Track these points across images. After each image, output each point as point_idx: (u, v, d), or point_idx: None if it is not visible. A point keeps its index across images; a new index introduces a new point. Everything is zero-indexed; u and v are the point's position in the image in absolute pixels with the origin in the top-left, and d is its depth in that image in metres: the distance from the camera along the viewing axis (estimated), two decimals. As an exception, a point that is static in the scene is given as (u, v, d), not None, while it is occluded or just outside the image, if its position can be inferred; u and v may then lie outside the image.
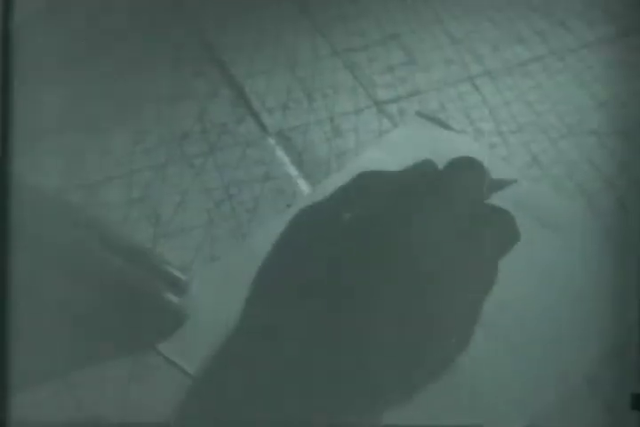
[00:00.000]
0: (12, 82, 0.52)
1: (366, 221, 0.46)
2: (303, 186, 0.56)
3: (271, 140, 0.58)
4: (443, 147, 0.57)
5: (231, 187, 0.56)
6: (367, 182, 0.48)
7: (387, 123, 0.59)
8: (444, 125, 0.58)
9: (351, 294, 0.44)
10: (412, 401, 0.45)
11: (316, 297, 0.44)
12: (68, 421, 0.48)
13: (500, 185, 0.52)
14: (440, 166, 0.50)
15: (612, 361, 0.48)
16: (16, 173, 0.50)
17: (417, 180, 0.48)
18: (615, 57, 0.61)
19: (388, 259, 0.44)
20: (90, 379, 0.48)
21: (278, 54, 0.62)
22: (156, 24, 0.63)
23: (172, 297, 0.50)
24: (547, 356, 0.48)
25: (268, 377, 0.44)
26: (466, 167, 0.49)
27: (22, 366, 0.47)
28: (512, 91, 0.60)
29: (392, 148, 0.57)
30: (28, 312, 0.48)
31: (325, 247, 0.45)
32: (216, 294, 0.51)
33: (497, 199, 0.54)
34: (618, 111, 0.59)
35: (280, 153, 0.58)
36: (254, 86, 0.61)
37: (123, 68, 0.61)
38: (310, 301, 0.45)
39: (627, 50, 0.61)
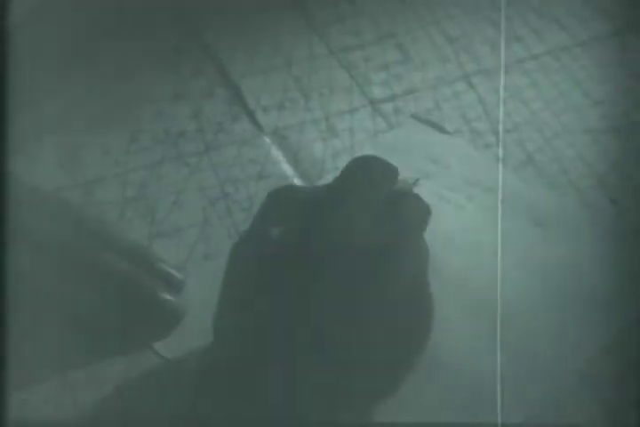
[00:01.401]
0: (9, 81, 0.52)
1: (293, 233, 0.46)
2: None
3: (267, 140, 0.58)
4: (437, 149, 0.57)
5: (226, 186, 0.56)
6: (282, 197, 0.49)
7: (381, 122, 0.59)
8: (439, 128, 0.59)
9: (300, 300, 0.45)
10: (395, 395, 0.46)
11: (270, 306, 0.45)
12: (67, 420, 0.48)
13: (407, 186, 0.52)
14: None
15: (610, 358, 0.48)
16: (13, 171, 0.50)
17: (325, 188, 0.49)
18: (609, 56, 0.61)
19: (325, 265, 0.45)
20: (87, 378, 0.48)
21: (274, 54, 0.62)
22: (153, 24, 0.63)
23: (167, 296, 0.50)
24: (543, 353, 0.48)
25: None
26: (364, 164, 0.49)
27: (20, 366, 0.47)
28: (507, 89, 0.60)
29: (387, 149, 0.57)
30: (26, 312, 0.48)
31: (266, 269, 0.46)
32: (211, 293, 0.51)
33: (492, 198, 0.54)
34: (612, 110, 0.59)
35: (275, 152, 0.58)
36: (250, 85, 0.61)
37: (119, 67, 0.61)
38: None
39: (621, 49, 0.61)
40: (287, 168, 0.57)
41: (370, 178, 0.48)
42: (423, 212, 0.49)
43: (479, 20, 0.64)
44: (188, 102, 0.60)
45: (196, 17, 0.64)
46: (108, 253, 0.50)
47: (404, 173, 0.56)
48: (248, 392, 0.44)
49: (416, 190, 0.50)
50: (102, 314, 0.49)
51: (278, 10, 0.64)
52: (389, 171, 0.50)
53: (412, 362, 0.46)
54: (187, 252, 0.53)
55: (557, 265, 0.52)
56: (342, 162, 0.57)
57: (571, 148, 0.57)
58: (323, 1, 0.64)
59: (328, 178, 0.55)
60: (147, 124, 0.59)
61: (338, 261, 0.45)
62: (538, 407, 0.47)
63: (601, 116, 0.58)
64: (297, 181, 0.56)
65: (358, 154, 0.57)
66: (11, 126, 0.51)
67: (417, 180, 0.52)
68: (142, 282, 0.50)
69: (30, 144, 0.57)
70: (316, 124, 0.59)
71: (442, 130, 0.58)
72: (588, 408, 0.47)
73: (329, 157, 0.57)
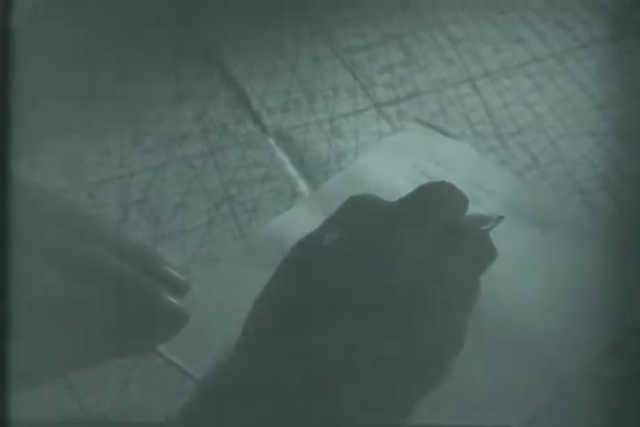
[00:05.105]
0: (13, 83, 0.52)
1: (347, 243, 0.46)
2: (303, 187, 0.56)
3: (271, 141, 0.58)
4: (440, 152, 0.57)
5: (231, 187, 0.56)
6: (359, 208, 0.48)
7: (385, 125, 0.59)
8: (444, 132, 0.59)
9: (347, 311, 0.45)
10: (416, 407, 0.46)
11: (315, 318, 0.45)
12: (69, 421, 0.48)
13: (484, 221, 0.51)
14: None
15: (612, 361, 0.48)
16: (16, 173, 0.50)
17: (399, 205, 0.49)
18: (613, 58, 0.61)
19: (377, 280, 0.45)
20: (90, 380, 0.48)
21: (278, 55, 0.62)
22: (155, 25, 0.63)
23: (172, 298, 0.50)
24: (545, 355, 0.48)
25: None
26: (441, 191, 0.49)
27: (22, 367, 0.47)
28: (511, 92, 0.60)
29: (392, 152, 0.57)
30: (28, 312, 0.48)
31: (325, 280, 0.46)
32: (215, 296, 0.51)
33: (495, 201, 0.54)
34: (615, 112, 0.59)
35: (280, 154, 0.58)
36: (254, 87, 0.61)
37: (122, 69, 0.61)
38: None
39: (625, 51, 0.61)
40: (292, 170, 0.57)
41: (438, 206, 0.48)
42: (488, 254, 0.48)
43: (482, 22, 0.64)
44: (192, 104, 0.60)
45: (199, 18, 0.64)
46: (111, 256, 0.50)
47: (409, 174, 0.56)
48: (284, 394, 0.44)
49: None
50: (105, 316, 0.49)
51: (282, 11, 0.64)
52: (460, 201, 0.49)
53: (419, 395, 0.46)
54: (191, 254, 0.53)
55: (561, 267, 0.52)
56: (347, 163, 0.57)
57: (575, 150, 0.57)
58: (327, 2, 0.64)
59: (333, 179, 0.56)
60: (150, 126, 0.59)
61: (382, 281, 0.45)
62: (541, 410, 0.47)
63: (605, 118, 0.59)
64: (302, 183, 0.56)
65: (363, 157, 0.57)
66: (14, 128, 0.51)
67: (501, 217, 0.51)
68: (146, 284, 0.50)
69: (33, 146, 0.57)
70: (321, 126, 0.59)
71: (445, 133, 0.59)
72: (591, 410, 0.47)
73: (334, 159, 0.57)
